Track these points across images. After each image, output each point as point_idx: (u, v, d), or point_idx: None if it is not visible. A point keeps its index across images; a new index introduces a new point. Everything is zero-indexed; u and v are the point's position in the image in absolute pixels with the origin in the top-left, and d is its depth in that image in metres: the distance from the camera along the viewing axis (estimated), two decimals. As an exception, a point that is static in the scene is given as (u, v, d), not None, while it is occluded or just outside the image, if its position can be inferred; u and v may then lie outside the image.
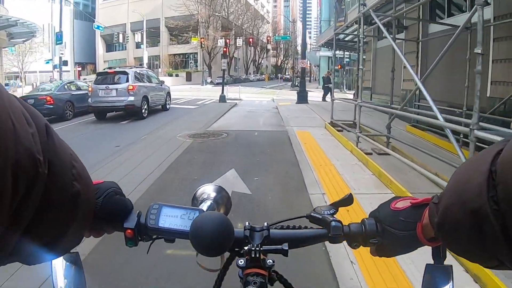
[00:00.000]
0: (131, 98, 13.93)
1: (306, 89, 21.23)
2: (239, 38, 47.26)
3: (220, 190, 0.99)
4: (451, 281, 0.76)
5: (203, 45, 45.87)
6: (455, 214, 0.55)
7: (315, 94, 26.30)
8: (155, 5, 59.46)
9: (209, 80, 54.14)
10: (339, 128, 10.28)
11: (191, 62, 62.73)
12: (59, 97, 14.81)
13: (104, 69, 15.09)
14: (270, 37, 50.33)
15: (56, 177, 0.48)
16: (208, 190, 0.98)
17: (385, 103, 11.25)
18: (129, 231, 0.80)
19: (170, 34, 59.82)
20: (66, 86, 16.30)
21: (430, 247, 0.75)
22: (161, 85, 17.50)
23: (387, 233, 0.78)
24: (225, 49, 22.86)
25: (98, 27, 37.89)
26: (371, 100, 17.03)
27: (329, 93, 24.39)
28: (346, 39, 20.24)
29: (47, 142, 0.47)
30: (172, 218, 0.82)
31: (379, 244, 0.80)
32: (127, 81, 14.09)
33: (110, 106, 14.24)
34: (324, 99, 23.15)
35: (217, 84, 52.75)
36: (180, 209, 0.83)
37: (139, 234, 0.81)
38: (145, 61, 44.82)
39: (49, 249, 0.53)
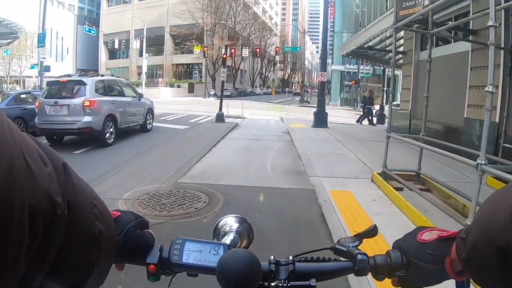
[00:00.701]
0: (88, 119, 9.92)
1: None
2: (245, 48, 43.66)
3: (242, 221, 0.98)
4: None
5: (206, 55, 42.32)
6: (482, 250, 0.55)
7: (332, 113, 22.19)
8: (160, 13, 57.93)
9: (212, 92, 51.37)
10: (398, 185, 6.21)
11: (195, 73, 60.72)
12: (5, 112, 10.74)
13: (58, 77, 10.88)
14: (279, 47, 46.70)
15: (78, 218, 0.48)
16: (230, 222, 0.97)
17: (435, 132, 9.12)
18: (152, 266, 0.79)
19: (175, 43, 57.11)
20: (18, 99, 12.57)
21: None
22: (139, 99, 13.39)
23: (413, 265, 0.77)
24: (224, 56, 18.73)
25: (89, 30, 34.36)
26: (410, 127, 13.09)
27: (371, 116, 20.66)
28: (378, 47, 16.23)
29: (65, 182, 0.46)
30: (196, 253, 0.81)
31: (404, 276, 0.79)
32: (84, 94, 10.07)
33: (59, 129, 10.23)
34: (364, 122, 20.87)
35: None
36: (204, 243, 0.82)
37: (161, 268, 0.81)
38: (144, 69, 41.44)
39: None
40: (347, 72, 42.07)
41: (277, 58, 79.27)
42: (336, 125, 17.13)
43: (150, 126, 14.34)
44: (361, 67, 37.91)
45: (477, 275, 0.60)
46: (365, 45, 15.43)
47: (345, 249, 0.84)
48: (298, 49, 46.32)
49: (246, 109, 24.47)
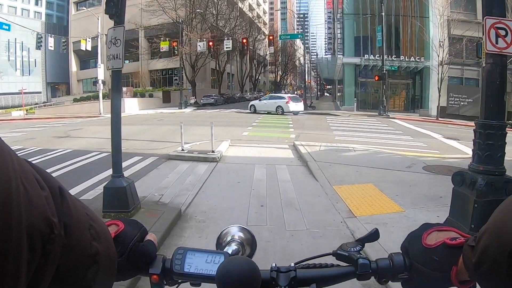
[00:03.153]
0: None
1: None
2: (227, 39, 34.13)
3: (244, 231, 0.98)
4: None
5: (177, 51, 32.92)
6: (493, 254, 0.55)
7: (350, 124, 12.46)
8: (131, 14, 48.59)
9: (192, 100, 41.97)
10: None
11: (175, 79, 51.49)
12: None
13: None
14: (273, 36, 37.32)
15: (74, 238, 0.49)
16: (232, 231, 0.97)
17: None
18: (155, 276, 0.81)
19: (151, 46, 48.09)
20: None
21: None
22: None
23: (417, 270, 0.76)
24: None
25: (1, 25, 24.44)
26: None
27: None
28: None
29: (61, 204, 0.48)
30: (198, 263, 0.82)
31: (408, 279, 0.80)
32: None
33: None
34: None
35: (204, 105, 40.19)
36: (205, 253, 0.84)
37: (164, 278, 0.82)
38: (100, 77, 31.81)
39: None
40: (364, 65, 32.39)
41: (268, 57, 72.52)
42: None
43: None
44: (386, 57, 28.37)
45: (486, 281, 0.59)
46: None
47: (347, 254, 0.84)
48: (298, 36, 36.66)
49: (227, 130, 15.58)
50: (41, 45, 31.23)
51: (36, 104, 46.32)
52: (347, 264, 0.84)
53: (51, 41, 32.31)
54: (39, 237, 0.42)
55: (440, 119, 25.74)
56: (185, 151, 10.45)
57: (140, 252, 0.80)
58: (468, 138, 16.50)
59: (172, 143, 12.49)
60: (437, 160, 9.64)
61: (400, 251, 0.82)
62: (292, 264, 0.85)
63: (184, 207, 5.86)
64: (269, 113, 27.86)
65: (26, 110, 34.80)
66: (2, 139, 0.42)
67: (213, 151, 10.17)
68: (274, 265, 0.84)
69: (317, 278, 0.83)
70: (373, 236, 0.87)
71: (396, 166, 8.52)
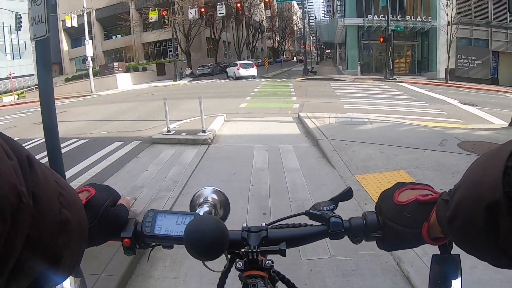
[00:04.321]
0: None
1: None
2: (220, 4, 32.03)
3: (218, 193, 0.97)
4: (459, 271, 0.75)
5: (167, 21, 30.97)
6: (468, 208, 0.54)
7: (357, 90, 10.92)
8: None
9: (188, 71, 40.25)
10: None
11: (170, 51, 49.62)
12: None
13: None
14: (270, -1, 35.22)
15: (43, 207, 0.49)
16: (205, 193, 0.97)
17: None
18: (126, 240, 0.80)
19: (142, 18, 46.23)
20: None
21: None
22: None
23: (389, 228, 0.76)
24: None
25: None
26: None
27: None
28: None
29: (29, 173, 0.48)
30: (168, 225, 0.81)
31: (381, 237, 0.79)
32: None
33: None
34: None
35: (200, 76, 38.47)
36: (175, 214, 0.83)
37: (136, 242, 0.82)
38: (89, 54, 30.33)
39: (48, 276, 0.53)
40: (367, 26, 30.36)
41: (265, 23, 70.39)
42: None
43: None
44: (391, 17, 26.40)
45: (460, 235, 0.59)
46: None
47: (319, 213, 0.84)
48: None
49: (222, 102, 14.22)
50: (21, 26, 29.39)
51: (28, 87, 44.48)
52: (320, 224, 0.84)
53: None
54: (8, 207, 0.42)
55: (449, 82, 24.16)
56: (172, 132, 8.90)
57: (111, 217, 0.78)
58: (485, 104, 15.68)
59: (159, 122, 10.96)
60: (467, 133, 8.12)
61: (374, 211, 0.81)
62: (264, 224, 0.85)
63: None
64: (229, 77, 33.21)
65: (18, 95, 33.35)
66: None
67: (203, 131, 8.60)
68: (245, 225, 0.84)
69: (288, 238, 0.83)
70: (346, 194, 0.87)
71: (425, 143, 6.99)
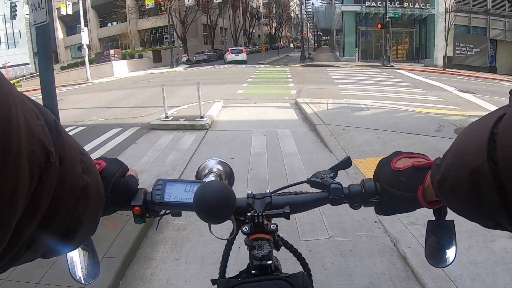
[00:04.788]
0: None
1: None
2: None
3: (223, 164, 1.00)
4: (454, 236, 0.79)
5: (163, 7, 30.67)
6: (455, 173, 0.57)
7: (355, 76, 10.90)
8: None
9: (184, 58, 39.96)
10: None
11: (166, 37, 49.07)
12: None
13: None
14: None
15: (67, 170, 0.50)
16: (210, 165, 1.00)
17: None
18: (137, 208, 0.83)
19: (138, 4, 45.66)
20: None
21: None
22: None
23: (387, 192, 0.79)
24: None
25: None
26: None
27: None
28: None
29: (56, 136, 0.48)
30: (177, 192, 0.85)
31: (379, 203, 0.82)
32: None
33: None
34: None
35: (196, 63, 38.24)
36: (184, 183, 0.86)
37: (146, 210, 0.85)
38: (85, 42, 30.03)
39: (66, 241, 0.55)
40: (365, 13, 30.17)
41: (261, 9, 69.82)
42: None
43: None
44: (389, 4, 26.24)
45: (449, 198, 0.62)
46: None
47: (320, 181, 0.88)
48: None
49: (220, 88, 14.20)
50: (15, 15, 29.06)
51: (24, 76, 44.02)
52: (321, 191, 0.88)
53: (26, 8, 30.00)
54: (37, 165, 0.42)
55: (447, 69, 24.13)
56: (170, 118, 8.92)
57: (122, 186, 0.81)
58: (482, 91, 15.72)
59: (157, 108, 10.95)
60: (464, 120, 8.20)
61: (372, 178, 0.85)
62: (268, 191, 0.90)
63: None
64: (226, 63, 34.96)
65: (13, 84, 33.02)
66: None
67: (201, 117, 8.62)
68: (250, 192, 0.89)
69: (291, 203, 0.87)
70: (345, 163, 0.92)
71: (422, 129, 7.05)
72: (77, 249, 0.79)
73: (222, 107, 10.67)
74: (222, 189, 0.74)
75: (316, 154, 6.09)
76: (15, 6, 28.41)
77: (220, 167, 0.99)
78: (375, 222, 3.60)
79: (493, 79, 21.82)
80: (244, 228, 0.84)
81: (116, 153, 6.95)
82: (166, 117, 8.92)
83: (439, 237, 0.80)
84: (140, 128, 8.88)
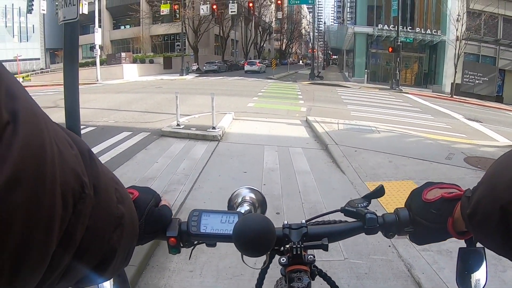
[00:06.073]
0: None
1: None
2: (232, 2, 31.96)
3: (255, 192, 1.01)
4: (485, 263, 0.80)
5: (178, 15, 30.91)
6: (486, 206, 0.57)
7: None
8: None
9: (195, 67, 40.20)
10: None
11: (177, 45, 49.66)
12: None
13: None
14: (281, 0, 34.97)
15: (102, 200, 0.50)
16: (243, 193, 1.00)
17: None
18: (173, 239, 0.83)
19: (152, 10, 46.01)
20: None
21: None
22: None
23: (418, 223, 0.81)
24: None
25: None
26: None
27: None
28: None
29: (90, 165, 0.48)
30: (213, 223, 0.84)
31: (412, 232, 0.84)
32: None
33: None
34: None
35: (206, 73, 38.41)
36: (219, 213, 0.86)
37: (181, 241, 0.85)
38: (98, 42, 30.32)
39: (100, 272, 0.54)
40: (377, 35, 30.40)
41: (273, 24, 70.26)
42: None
43: None
44: (401, 28, 26.45)
45: (479, 231, 0.62)
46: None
47: (355, 210, 0.88)
48: (308, 1, 33.82)
49: (230, 100, 14.22)
50: (32, 9, 29.31)
51: (34, 71, 44.30)
52: (355, 220, 0.89)
53: (43, 4, 30.26)
54: (71, 195, 0.42)
55: (454, 96, 24.23)
56: (181, 127, 8.96)
57: (156, 216, 0.81)
58: (489, 120, 15.75)
59: (167, 115, 11.03)
60: (472, 148, 8.20)
61: (404, 207, 0.86)
62: (303, 221, 0.90)
63: (173, 212, 4.40)
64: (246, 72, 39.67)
65: (23, 78, 33.26)
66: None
67: (213, 128, 8.67)
68: (286, 222, 0.89)
69: (327, 233, 0.88)
70: (379, 192, 0.91)
71: (432, 156, 7.07)
72: (110, 280, 0.77)
73: (233, 119, 10.72)
74: (263, 223, 0.75)
75: (329, 174, 6.11)
76: (32, 0, 28.66)
77: (253, 195, 0.99)
78: (389, 246, 3.62)
79: (500, 108, 21.91)
80: (281, 259, 0.85)
81: (126, 157, 6.99)
82: (178, 125, 8.97)
83: (470, 264, 0.80)
84: (150, 134, 8.93)
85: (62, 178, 0.40)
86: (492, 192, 0.55)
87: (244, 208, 0.95)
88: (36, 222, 0.37)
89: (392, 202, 4.61)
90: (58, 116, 11.53)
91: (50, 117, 0.43)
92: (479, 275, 0.80)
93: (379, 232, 0.87)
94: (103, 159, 6.99)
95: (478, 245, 0.78)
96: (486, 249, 0.75)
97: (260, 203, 0.99)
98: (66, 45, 3.81)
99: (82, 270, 0.50)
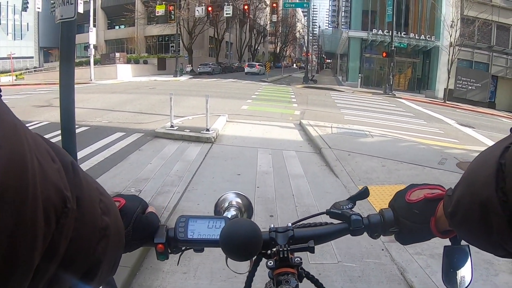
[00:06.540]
0: None
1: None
2: (227, 4, 31.97)
3: (241, 197, 1.01)
4: (470, 260, 0.82)
5: (173, 16, 30.86)
6: (466, 204, 0.58)
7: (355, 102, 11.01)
8: None
9: (189, 68, 40.10)
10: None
11: (172, 46, 49.46)
12: None
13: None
14: (276, 3, 35.06)
15: (85, 212, 0.50)
16: (229, 198, 1.01)
17: None
18: (160, 245, 0.84)
19: (147, 10, 45.90)
20: None
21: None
22: None
23: (402, 224, 0.83)
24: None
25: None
26: None
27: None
28: None
29: (73, 178, 0.48)
30: (200, 229, 0.85)
31: (397, 232, 0.86)
32: None
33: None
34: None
35: (200, 74, 38.37)
36: (206, 219, 0.87)
37: (169, 247, 0.85)
38: (92, 42, 30.16)
39: (86, 282, 0.54)
40: (371, 40, 30.57)
41: (268, 27, 70.39)
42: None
43: None
44: (395, 33, 26.62)
45: (461, 229, 0.63)
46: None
47: (340, 212, 0.89)
48: (303, 4, 33.78)
49: (224, 102, 14.26)
50: (26, 7, 29.13)
51: (27, 69, 43.96)
52: (341, 222, 0.90)
53: (38, 2, 30.11)
54: (53, 211, 0.42)
55: (447, 102, 24.44)
56: (175, 128, 8.95)
57: (143, 223, 0.81)
58: (482, 126, 15.92)
59: (161, 116, 11.01)
60: (465, 153, 8.29)
61: (389, 208, 0.88)
62: (290, 224, 0.91)
63: (166, 213, 4.38)
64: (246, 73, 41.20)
65: (16, 76, 33.00)
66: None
67: (207, 129, 8.67)
68: (272, 225, 0.90)
69: (313, 236, 0.88)
70: (363, 194, 0.93)
71: (425, 160, 7.12)
72: None
73: (227, 121, 10.72)
74: (249, 227, 0.76)
75: (322, 177, 6.13)
76: (27, -2, 28.53)
77: (239, 200, 1.00)
78: (382, 250, 3.64)
79: (492, 114, 22.12)
80: (269, 262, 0.86)
81: (120, 157, 6.97)
82: (172, 126, 8.96)
83: (455, 262, 0.82)
84: (144, 135, 8.90)
85: (44, 194, 0.40)
86: (471, 189, 0.56)
87: (231, 213, 0.95)
88: (19, 239, 0.37)
89: (385, 206, 4.62)
90: (51, 115, 11.52)
91: (28, 128, 0.42)
92: (464, 272, 0.82)
93: (374, 235, 0.88)
94: (97, 159, 6.97)
95: (463, 243, 0.79)
96: (471, 247, 0.76)
97: (247, 208, 1.00)
98: (63, 44, 3.76)
99: (68, 280, 0.50)
